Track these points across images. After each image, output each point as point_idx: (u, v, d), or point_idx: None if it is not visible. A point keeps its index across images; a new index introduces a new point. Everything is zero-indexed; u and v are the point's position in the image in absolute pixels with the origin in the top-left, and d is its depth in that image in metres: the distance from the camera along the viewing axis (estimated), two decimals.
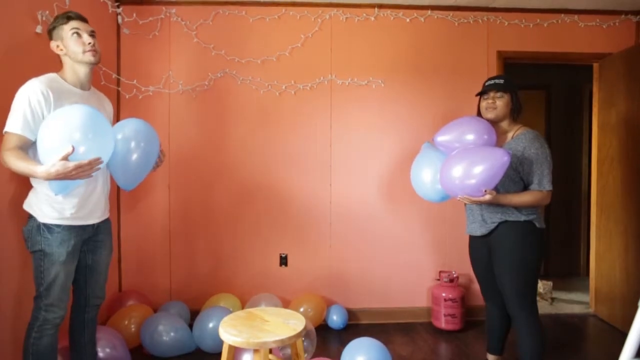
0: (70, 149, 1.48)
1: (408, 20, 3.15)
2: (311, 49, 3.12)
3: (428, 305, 3.21)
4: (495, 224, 2.03)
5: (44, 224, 1.71)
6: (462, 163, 1.88)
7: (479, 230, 2.11)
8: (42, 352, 1.73)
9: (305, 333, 2.34)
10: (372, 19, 3.14)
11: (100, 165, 1.59)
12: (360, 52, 3.14)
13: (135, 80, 3.02)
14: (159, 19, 3.04)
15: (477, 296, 3.24)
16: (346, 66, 3.14)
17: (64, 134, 1.52)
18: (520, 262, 1.97)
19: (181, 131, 3.09)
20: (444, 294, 3.02)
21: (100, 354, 2.21)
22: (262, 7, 3.08)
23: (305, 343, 2.36)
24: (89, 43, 1.76)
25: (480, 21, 3.18)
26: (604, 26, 3.23)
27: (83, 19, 1.81)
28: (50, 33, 1.78)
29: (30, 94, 1.63)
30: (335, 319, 3.02)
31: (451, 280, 3.08)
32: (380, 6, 3.12)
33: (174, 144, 3.08)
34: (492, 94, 2.06)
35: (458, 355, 2.69)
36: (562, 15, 3.20)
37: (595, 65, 3.36)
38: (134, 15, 3.00)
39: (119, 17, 2.98)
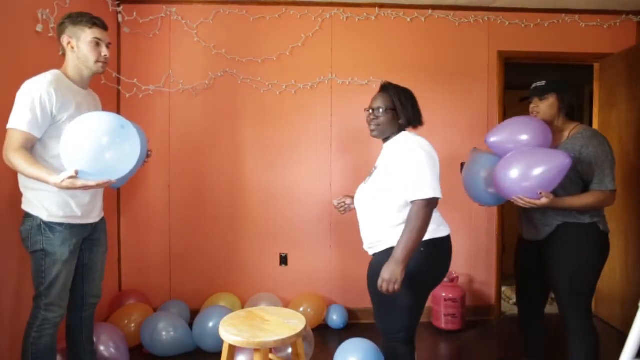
0: (74, 173, 1.47)
1: (409, 19, 3.15)
2: (312, 48, 3.12)
3: (428, 305, 3.20)
4: (553, 228, 1.96)
5: (46, 223, 1.70)
6: (521, 164, 1.82)
7: (535, 236, 2.04)
8: (42, 352, 1.73)
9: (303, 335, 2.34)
10: (373, 18, 3.13)
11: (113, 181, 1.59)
12: (360, 51, 3.14)
13: (135, 79, 3.01)
14: (159, 18, 3.03)
15: (477, 296, 3.24)
16: (347, 66, 3.13)
17: (91, 141, 1.48)
18: (580, 266, 1.90)
19: (181, 130, 3.08)
20: (444, 294, 3.02)
21: (105, 353, 2.22)
22: (263, 6, 3.07)
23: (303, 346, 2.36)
24: (104, 55, 1.78)
25: (481, 21, 3.18)
26: (605, 26, 3.22)
27: (106, 28, 1.81)
28: (64, 26, 1.75)
29: (42, 92, 1.62)
30: (335, 318, 3.02)
31: (451, 280, 3.08)
32: (381, 6, 3.12)
33: (174, 143, 3.08)
34: (535, 99, 2.06)
35: (458, 355, 2.69)
36: (563, 15, 3.20)
37: (596, 66, 3.35)
38: (135, 14, 3.00)
39: (119, 15, 2.98)
